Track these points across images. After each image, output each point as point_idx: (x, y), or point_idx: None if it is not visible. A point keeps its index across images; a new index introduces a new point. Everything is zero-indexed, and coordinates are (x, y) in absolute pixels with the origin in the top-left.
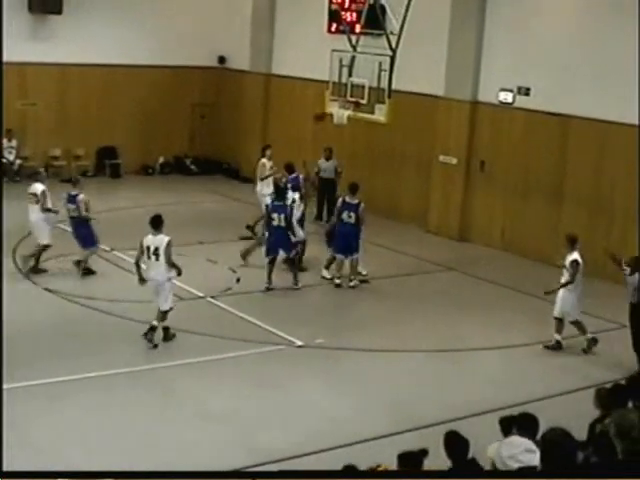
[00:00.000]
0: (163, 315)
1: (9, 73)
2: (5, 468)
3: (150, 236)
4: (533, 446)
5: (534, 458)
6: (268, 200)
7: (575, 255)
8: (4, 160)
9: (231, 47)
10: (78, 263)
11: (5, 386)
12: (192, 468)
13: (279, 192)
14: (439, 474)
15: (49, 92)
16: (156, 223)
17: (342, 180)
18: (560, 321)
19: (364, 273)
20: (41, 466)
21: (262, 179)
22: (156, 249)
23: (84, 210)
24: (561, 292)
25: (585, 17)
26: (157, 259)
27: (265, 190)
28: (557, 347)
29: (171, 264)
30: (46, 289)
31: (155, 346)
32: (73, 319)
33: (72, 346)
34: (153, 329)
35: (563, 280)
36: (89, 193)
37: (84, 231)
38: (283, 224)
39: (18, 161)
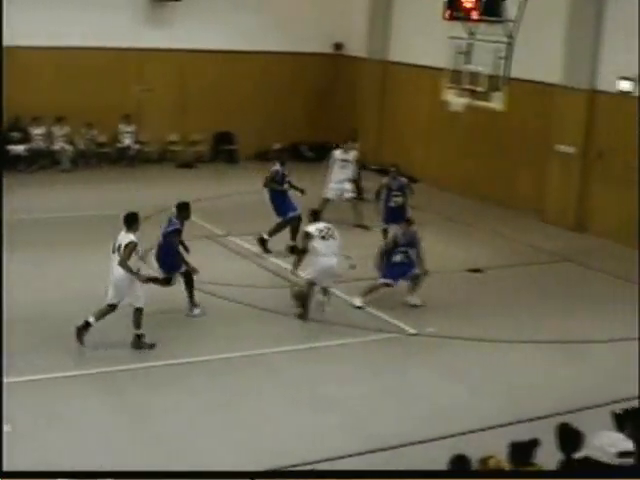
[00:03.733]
0: (138, 315)
1: (127, 59)
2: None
3: (122, 232)
4: (626, 437)
5: (629, 444)
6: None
7: None
8: (121, 145)
9: (348, 34)
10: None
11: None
12: (299, 455)
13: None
14: (440, 474)
15: (167, 78)
16: (129, 221)
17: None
18: None
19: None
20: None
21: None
22: (119, 247)
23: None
24: None
25: None
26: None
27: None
28: None
29: (123, 266)
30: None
31: (152, 346)
32: (180, 302)
33: (182, 330)
34: (87, 326)
35: None
36: (205, 178)
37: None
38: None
39: (136, 146)
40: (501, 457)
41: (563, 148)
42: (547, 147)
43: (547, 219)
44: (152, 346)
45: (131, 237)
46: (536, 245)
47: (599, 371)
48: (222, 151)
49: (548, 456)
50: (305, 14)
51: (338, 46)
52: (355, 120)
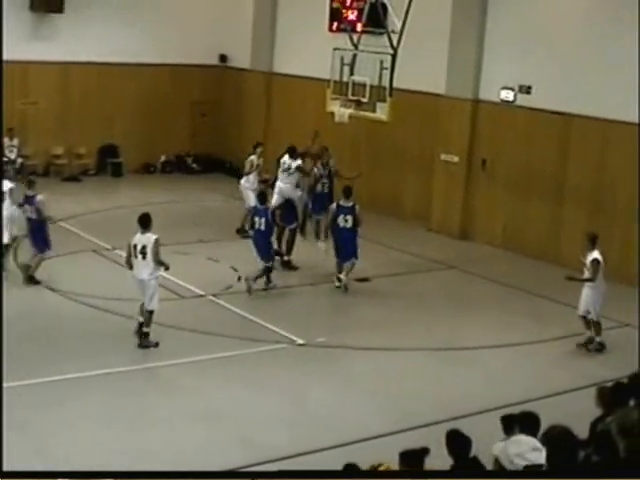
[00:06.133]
0: (149, 316)
1: (10, 72)
2: (5, 468)
3: (138, 235)
4: (539, 445)
5: (540, 456)
6: (252, 200)
7: (595, 254)
8: (5, 159)
9: (232, 45)
10: (27, 268)
11: (5, 385)
12: (192, 467)
13: (261, 196)
14: (438, 474)
15: (50, 91)
16: (144, 222)
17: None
18: (585, 319)
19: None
20: (41, 466)
21: (247, 174)
22: (143, 247)
23: (43, 212)
24: (584, 290)
25: (587, 15)
26: (144, 258)
27: (247, 184)
28: (589, 343)
29: (158, 262)
30: (48, 287)
31: (156, 344)
32: (73, 317)
33: (72, 345)
34: (145, 335)
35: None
36: (91, 192)
37: (39, 234)
38: (263, 228)
39: (20, 160)
40: (392, 465)
41: (448, 157)
42: (432, 157)
43: (432, 228)
44: (156, 344)
45: (152, 236)
46: (422, 254)
47: (486, 377)
48: (107, 164)
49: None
50: (190, 26)
51: (223, 58)
52: (241, 132)
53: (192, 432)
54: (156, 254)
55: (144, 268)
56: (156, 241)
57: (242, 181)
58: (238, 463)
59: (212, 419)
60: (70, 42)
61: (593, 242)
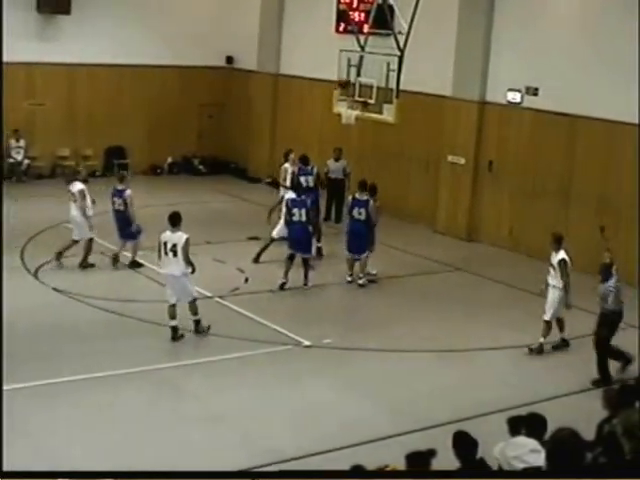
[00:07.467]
0: (194, 306)
1: (17, 73)
2: (5, 468)
3: (168, 233)
4: (538, 446)
5: (539, 458)
6: (288, 195)
7: (562, 254)
8: (12, 160)
9: (239, 47)
10: (115, 258)
11: (8, 386)
12: (197, 468)
13: (294, 185)
14: (445, 474)
15: (57, 92)
16: (174, 220)
17: (350, 180)
18: (552, 322)
19: (373, 272)
20: (41, 466)
21: (285, 186)
22: (174, 246)
23: (130, 205)
24: (551, 292)
25: (593, 17)
26: (174, 255)
27: (289, 195)
28: (564, 345)
29: (188, 261)
30: (54, 288)
31: (209, 327)
32: (80, 318)
33: (78, 346)
34: (197, 322)
35: (550, 280)
36: (97, 193)
37: (127, 225)
38: (304, 219)
39: (26, 161)
40: (398, 467)
41: (454, 159)
42: (439, 158)
43: (439, 229)
44: (209, 328)
45: (183, 235)
46: (428, 255)
47: (493, 378)
48: (114, 165)
49: (444, 463)
50: (196, 28)
51: (229, 59)
52: (248, 133)
53: (197, 433)
54: (186, 253)
55: (175, 265)
56: (187, 240)
57: (282, 191)
58: (243, 465)
59: (217, 420)
60: (77, 43)
61: (559, 242)
